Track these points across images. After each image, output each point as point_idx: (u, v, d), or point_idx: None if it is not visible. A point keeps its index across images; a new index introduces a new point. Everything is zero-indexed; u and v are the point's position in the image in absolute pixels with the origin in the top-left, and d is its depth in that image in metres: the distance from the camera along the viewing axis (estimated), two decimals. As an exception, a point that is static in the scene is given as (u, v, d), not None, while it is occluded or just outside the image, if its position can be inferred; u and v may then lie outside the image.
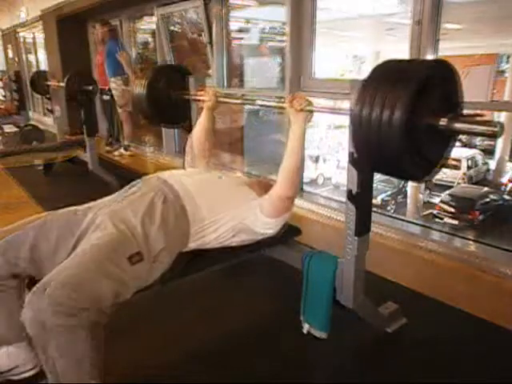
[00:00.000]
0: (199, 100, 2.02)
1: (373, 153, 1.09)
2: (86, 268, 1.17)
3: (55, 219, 1.40)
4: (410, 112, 0.98)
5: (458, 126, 1.04)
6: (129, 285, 1.25)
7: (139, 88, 2.12)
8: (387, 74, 1.06)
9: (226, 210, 1.53)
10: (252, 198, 1.59)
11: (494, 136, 0.99)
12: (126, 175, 3.68)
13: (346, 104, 1.52)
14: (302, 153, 1.51)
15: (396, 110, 0.98)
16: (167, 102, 2.18)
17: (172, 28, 4.75)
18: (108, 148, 5.37)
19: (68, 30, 4.92)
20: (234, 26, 4.14)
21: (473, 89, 2.10)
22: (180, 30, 4.93)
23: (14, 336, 1.39)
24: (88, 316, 1.09)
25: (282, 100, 1.57)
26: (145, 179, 1.58)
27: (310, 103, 1.49)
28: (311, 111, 1.49)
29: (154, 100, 2.13)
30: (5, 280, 1.33)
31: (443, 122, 1.05)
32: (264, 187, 1.64)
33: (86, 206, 1.49)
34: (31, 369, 1.41)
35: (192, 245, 1.52)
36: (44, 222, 1.39)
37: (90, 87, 3.51)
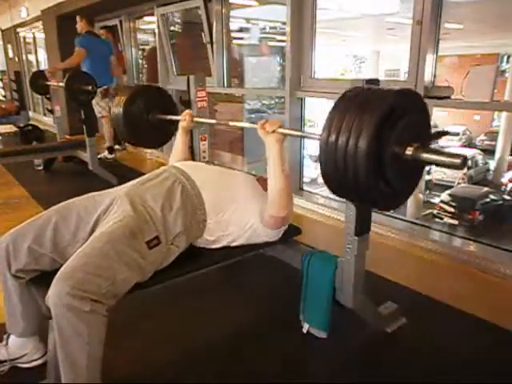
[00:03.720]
0: (177, 121, 2.00)
1: (340, 181, 1.08)
2: (106, 255, 1.20)
3: (74, 205, 1.43)
4: (375, 141, 0.98)
5: (424, 156, 1.04)
6: (146, 269, 1.30)
7: (116, 109, 2.06)
8: (355, 102, 1.05)
9: (241, 203, 1.55)
10: (260, 193, 1.61)
11: (457, 168, 1.01)
12: (126, 174, 3.68)
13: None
14: (285, 172, 1.50)
15: (361, 138, 0.98)
16: (145, 124, 2.11)
17: (172, 28, 4.75)
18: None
19: (68, 30, 4.92)
20: (234, 25, 4.14)
21: (476, 88, 2.09)
22: (180, 30, 4.93)
23: (30, 330, 1.45)
24: (107, 301, 1.14)
25: (255, 122, 1.58)
26: (162, 168, 1.60)
27: (281, 126, 1.50)
28: (283, 134, 1.50)
29: (130, 122, 2.07)
30: (27, 271, 1.34)
31: (409, 151, 1.05)
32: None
33: (104, 191, 1.51)
34: (39, 358, 1.47)
35: (208, 237, 1.54)
36: (63, 208, 1.42)
37: (90, 87, 3.50)
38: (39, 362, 1.46)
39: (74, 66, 4.42)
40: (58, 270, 1.16)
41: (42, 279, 1.31)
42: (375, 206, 1.21)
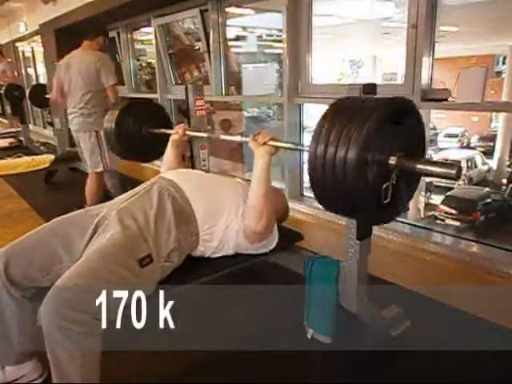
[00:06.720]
0: (169, 134, 2.02)
1: (328, 192, 1.06)
2: (97, 274, 1.19)
3: (67, 223, 1.43)
4: (364, 151, 0.96)
5: (418, 166, 1.02)
6: (140, 287, 1.27)
7: (109, 123, 2.08)
8: (343, 112, 1.03)
9: (232, 212, 1.55)
10: None
11: (452, 178, 0.98)
12: (124, 182, 3.68)
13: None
14: (267, 185, 1.50)
15: (350, 148, 0.96)
16: (138, 138, 2.13)
17: (169, 38, 4.77)
18: None
19: (66, 43, 4.95)
20: (230, 33, 4.16)
21: (467, 90, 2.10)
22: (177, 40, 4.95)
23: (26, 355, 1.42)
24: (99, 322, 1.12)
25: (247, 136, 1.60)
26: (151, 181, 1.60)
27: (274, 138, 1.51)
28: (275, 146, 1.51)
29: (123, 136, 2.08)
30: (23, 289, 1.33)
31: (401, 161, 1.02)
32: None
33: (98, 206, 1.52)
34: (37, 378, 1.45)
35: (202, 248, 1.53)
36: (57, 226, 1.42)
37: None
38: (38, 381, 1.44)
39: None
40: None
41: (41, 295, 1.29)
42: (367, 220, 1.18)
